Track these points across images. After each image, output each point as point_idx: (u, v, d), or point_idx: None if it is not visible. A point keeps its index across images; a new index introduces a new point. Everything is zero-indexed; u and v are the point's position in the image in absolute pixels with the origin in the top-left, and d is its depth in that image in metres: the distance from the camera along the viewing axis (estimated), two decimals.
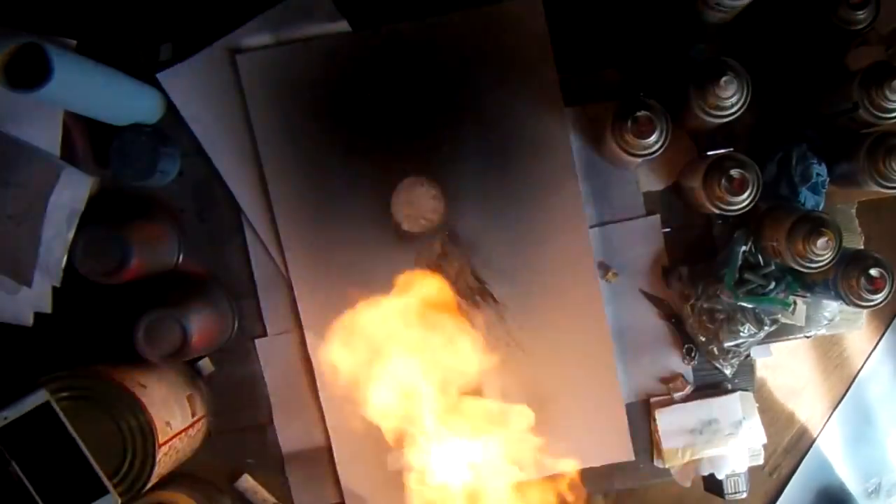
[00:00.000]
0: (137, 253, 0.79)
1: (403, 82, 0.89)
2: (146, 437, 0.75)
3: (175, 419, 0.80)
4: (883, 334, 1.01)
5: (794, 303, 0.87)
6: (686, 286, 0.87)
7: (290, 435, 0.91)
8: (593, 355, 0.90)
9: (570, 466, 0.82)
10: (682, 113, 0.82)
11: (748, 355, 0.90)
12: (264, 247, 0.90)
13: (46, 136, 0.84)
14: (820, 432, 1.08)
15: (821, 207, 0.86)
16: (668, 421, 0.90)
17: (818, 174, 0.85)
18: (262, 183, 0.89)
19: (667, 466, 0.91)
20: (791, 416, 1.09)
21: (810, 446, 1.08)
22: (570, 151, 0.90)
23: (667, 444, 0.90)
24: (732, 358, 0.89)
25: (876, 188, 0.79)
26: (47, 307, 0.87)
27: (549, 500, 0.81)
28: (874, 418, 1.10)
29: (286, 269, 0.89)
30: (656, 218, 0.90)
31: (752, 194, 0.79)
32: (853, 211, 0.91)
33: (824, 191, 0.86)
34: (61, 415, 0.73)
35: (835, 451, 1.10)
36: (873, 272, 0.78)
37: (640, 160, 0.80)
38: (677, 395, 0.91)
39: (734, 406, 0.89)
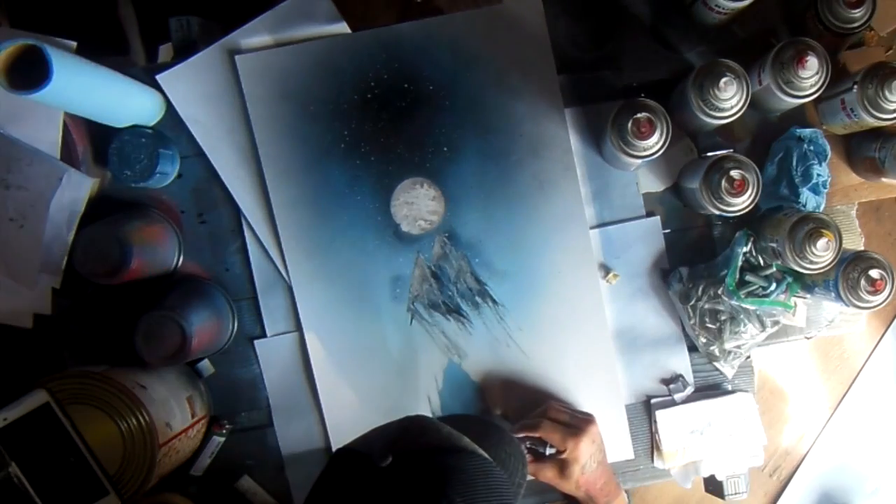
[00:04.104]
0: (137, 254, 0.79)
1: (403, 83, 0.89)
2: (146, 437, 0.75)
3: (175, 420, 0.81)
4: (883, 335, 1.01)
5: (795, 304, 0.87)
6: (686, 287, 0.87)
7: (289, 436, 0.91)
8: (594, 356, 0.90)
9: None
10: (682, 113, 0.82)
11: (748, 356, 0.90)
12: (264, 248, 0.90)
13: (46, 138, 0.84)
14: (820, 433, 1.08)
15: (821, 208, 0.86)
16: (669, 422, 0.90)
17: (818, 174, 0.85)
18: (261, 184, 0.89)
19: (667, 467, 0.91)
20: (791, 418, 1.09)
21: (811, 447, 1.08)
22: (570, 152, 0.89)
23: (667, 444, 0.90)
24: (733, 359, 0.89)
25: (869, 119, 0.79)
26: (47, 309, 0.87)
27: None
28: (875, 419, 1.10)
29: (286, 271, 0.89)
30: (656, 219, 0.90)
31: (752, 195, 0.78)
32: (854, 212, 0.91)
33: (825, 191, 0.86)
34: (61, 415, 0.73)
35: (835, 452, 1.10)
36: (874, 273, 0.78)
37: (640, 161, 0.80)
38: (678, 396, 0.91)
39: (734, 407, 0.89)
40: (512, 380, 0.90)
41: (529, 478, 0.88)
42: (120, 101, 0.83)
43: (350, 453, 0.58)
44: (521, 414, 0.88)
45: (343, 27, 0.89)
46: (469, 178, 0.90)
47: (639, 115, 0.77)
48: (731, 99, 0.77)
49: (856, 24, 0.80)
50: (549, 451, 0.83)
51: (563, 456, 0.81)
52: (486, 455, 0.59)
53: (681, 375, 0.91)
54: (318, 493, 0.57)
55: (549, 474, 0.83)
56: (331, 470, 0.59)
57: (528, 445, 0.84)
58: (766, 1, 0.88)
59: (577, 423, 0.83)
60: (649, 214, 0.91)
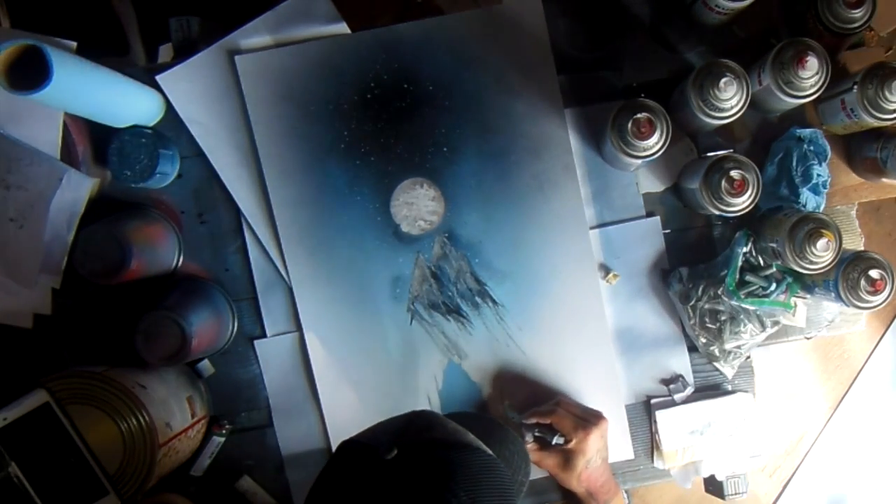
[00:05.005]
0: (137, 254, 0.79)
1: (403, 83, 0.89)
2: (146, 437, 0.75)
3: (175, 420, 0.81)
4: (883, 335, 1.01)
5: (795, 304, 0.87)
6: (686, 287, 0.87)
7: (289, 436, 0.91)
8: (594, 356, 0.90)
9: None
10: (682, 113, 0.82)
11: (748, 356, 0.90)
12: (263, 248, 0.90)
13: (46, 138, 0.84)
14: (820, 433, 1.08)
15: (821, 208, 0.86)
16: (669, 422, 0.90)
17: (818, 175, 0.85)
18: (261, 184, 0.89)
19: (667, 467, 0.91)
20: (791, 418, 1.09)
21: (811, 447, 1.08)
22: (570, 152, 0.89)
23: (667, 445, 0.90)
24: (733, 359, 0.89)
25: (869, 120, 0.79)
26: (47, 309, 0.87)
27: None
28: (874, 419, 1.10)
29: (286, 271, 0.89)
30: (656, 219, 0.90)
31: (752, 195, 0.78)
32: (854, 212, 0.91)
33: (825, 191, 0.86)
34: (61, 415, 0.73)
35: (835, 452, 1.10)
36: (873, 273, 0.78)
37: (640, 161, 0.80)
38: (678, 396, 0.91)
39: (734, 407, 0.89)
40: (512, 380, 0.90)
41: (533, 473, 0.89)
42: (120, 101, 0.83)
43: (356, 445, 0.59)
44: (528, 407, 0.89)
45: (343, 27, 0.89)
46: (469, 179, 0.90)
47: (639, 115, 0.77)
48: (731, 99, 0.77)
49: (856, 25, 0.80)
50: (556, 440, 0.83)
51: (570, 446, 0.82)
52: (490, 452, 0.59)
53: (681, 375, 0.91)
54: (322, 484, 0.58)
55: (552, 463, 0.83)
56: (336, 461, 0.59)
57: (536, 434, 0.85)
58: (766, 1, 0.88)
59: (589, 416, 0.84)
60: (649, 214, 0.91)
